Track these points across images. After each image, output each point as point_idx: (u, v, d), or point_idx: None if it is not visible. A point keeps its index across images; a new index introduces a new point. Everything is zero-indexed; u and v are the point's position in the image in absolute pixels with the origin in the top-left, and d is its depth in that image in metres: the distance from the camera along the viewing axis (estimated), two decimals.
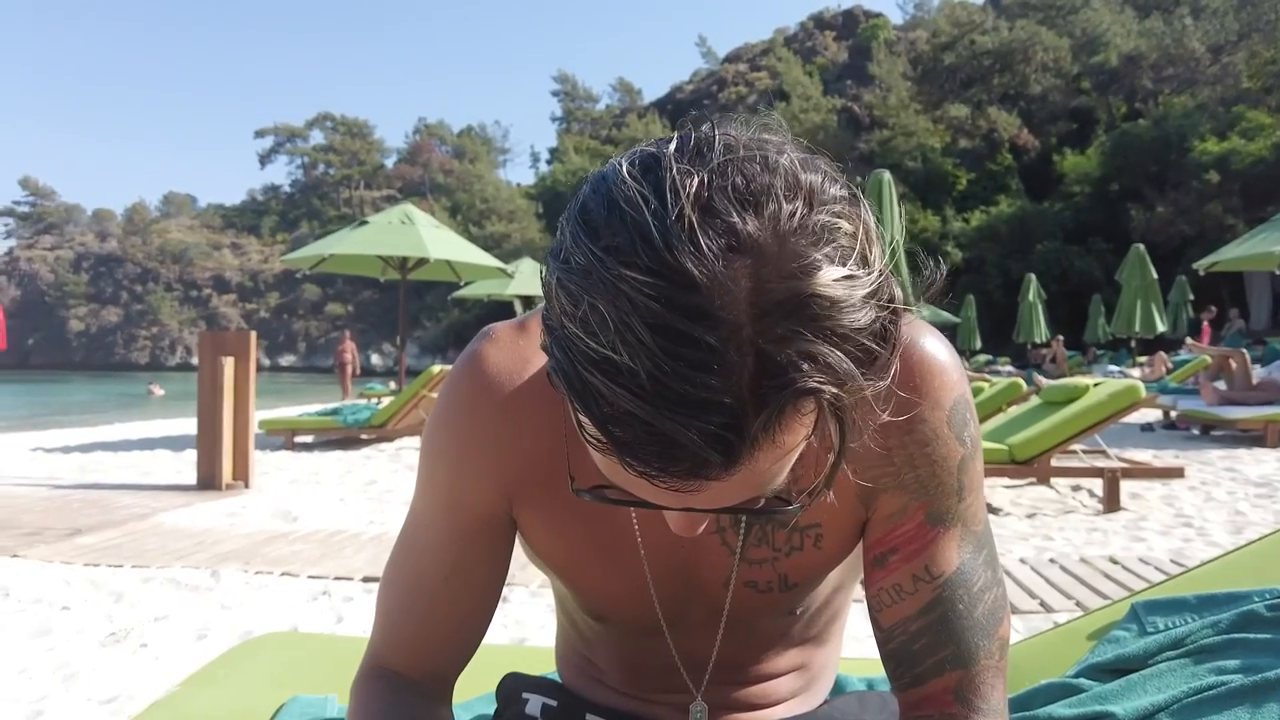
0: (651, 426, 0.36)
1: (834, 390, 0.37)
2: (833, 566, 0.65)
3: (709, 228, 0.36)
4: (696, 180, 0.37)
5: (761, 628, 0.68)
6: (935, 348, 0.59)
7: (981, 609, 0.58)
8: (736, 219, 0.36)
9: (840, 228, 0.39)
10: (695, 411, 0.36)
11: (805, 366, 0.36)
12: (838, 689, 0.85)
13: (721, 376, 0.35)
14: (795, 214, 0.37)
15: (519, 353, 0.62)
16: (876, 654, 0.63)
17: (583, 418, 0.39)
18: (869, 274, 0.39)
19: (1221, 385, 7.56)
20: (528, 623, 2.45)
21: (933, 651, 0.57)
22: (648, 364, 0.35)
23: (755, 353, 0.36)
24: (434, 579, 0.64)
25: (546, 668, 0.88)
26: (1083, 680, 0.85)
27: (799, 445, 0.41)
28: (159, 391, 22.16)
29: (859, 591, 0.68)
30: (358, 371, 16.35)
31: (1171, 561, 3.04)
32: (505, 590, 2.73)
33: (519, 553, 0.68)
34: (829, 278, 0.37)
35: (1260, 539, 1.05)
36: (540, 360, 0.62)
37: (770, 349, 0.36)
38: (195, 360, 5.45)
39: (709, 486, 0.39)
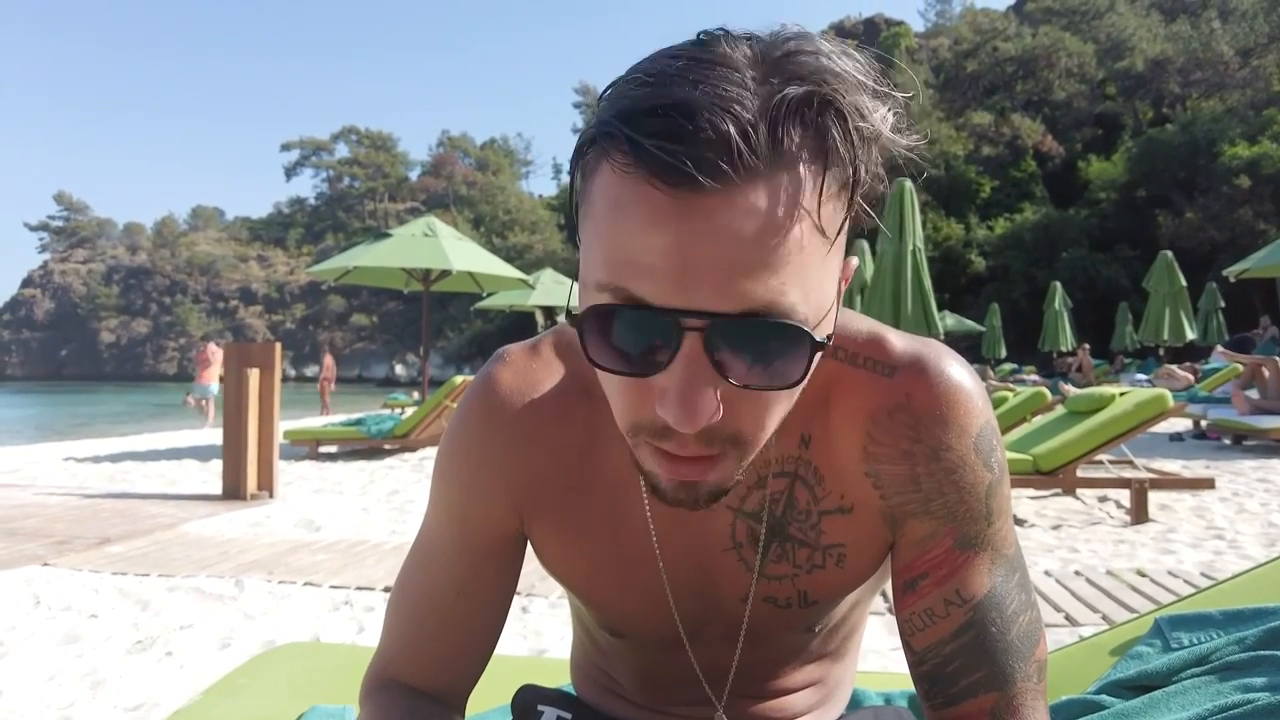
0: (677, 106, 0.39)
1: (836, 102, 0.41)
2: (854, 586, 0.64)
3: (734, 37, 0.43)
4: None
5: (780, 643, 0.68)
6: (960, 375, 0.58)
7: (1016, 631, 0.57)
8: (756, 41, 0.43)
9: (845, 47, 0.45)
10: (715, 95, 0.39)
11: (809, 83, 0.41)
12: (855, 703, 0.85)
13: (739, 83, 0.40)
14: (803, 33, 0.44)
15: (531, 374, 0.63)
16: (894, 669, 0.63)
17: (611, 144, 0.41)
18: (863, 61, 0.44)
19: (1254, 394, 7.40)
20: (546, 634, 2.45)
21: (967, 673, 0.56)
22: (680, 65, 0.41)
23: (766, 78, 0.41)
24: (446, 593, 0.65)
25: (564, 679, 0.88)
26: (1105, 697, 0.83)
27: (806, 197, 0.41)
28: (195, 402, 22.66)
29: (876, 604, 0.68)
30: (333, 388, 16.63)
31: (1202, 575, 2.97)
32: (525, 601, 2.73)
33: (540, 564, 0.69)
34: (830, 44, 0.43)
35: None
36: (552, 380, 0.63)
37: (779, 74, 0.41)
38: (221, 371, 5.53)
39: (721, 196, 0.39)
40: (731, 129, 0.38)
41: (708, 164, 0.38)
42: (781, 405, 0.47)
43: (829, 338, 0.45)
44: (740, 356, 0.42)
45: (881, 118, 0.43)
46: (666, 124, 0.39)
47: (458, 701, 0.68)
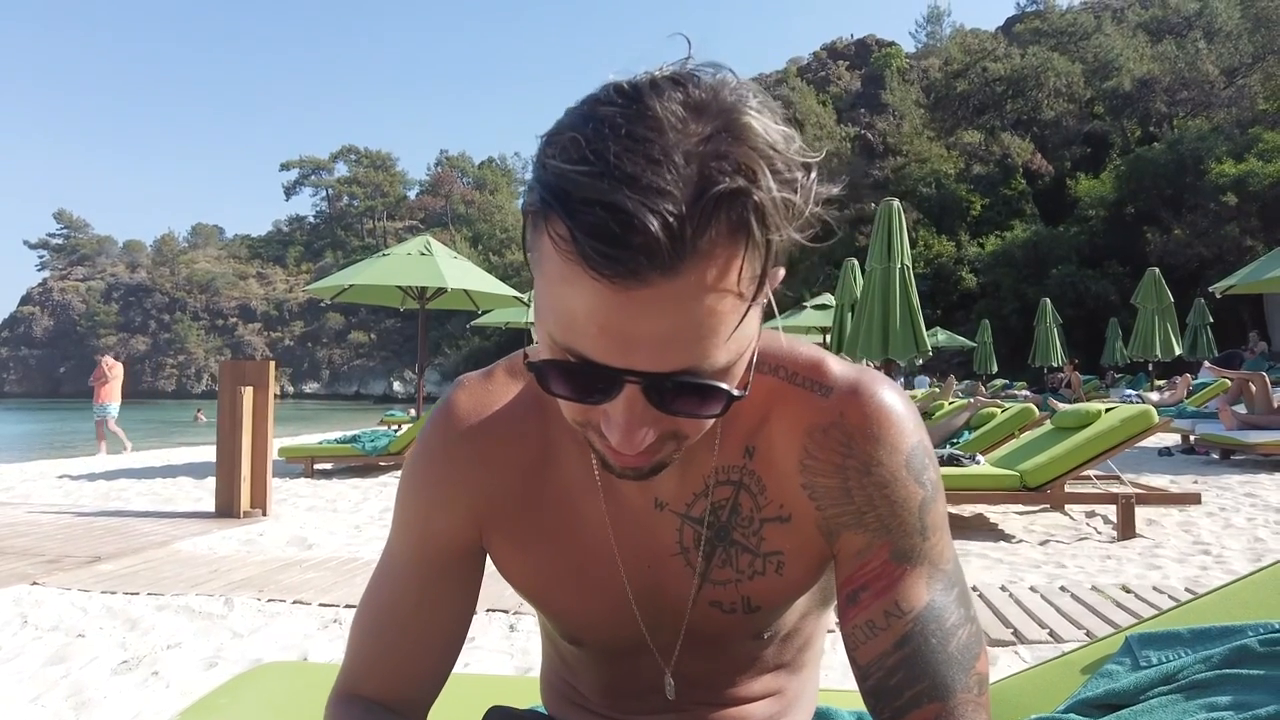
0: (613, 206, 0.42)
1: (759, 196, 0.44)
2: (796, 594, 0.67)
3: (667, 88, 0.46)
4: (660, 75, 0.47)
5: (731, 650, 0.70)
6: (892, 400, 0.62)
7: (955, 644, 0.59)
8: (692, 89, 0.46)
9: (775, 111, 0.47)
10: (648, 194, 0.42)
11: (737, 177, 0.44)
12: (825, 719, 0.86)
13: (671, 171, 0.43)
14: (739, 87, 0.47)
15: (487, 397, 0.68)
16: None
17: (552, 226, 0.45)
18: (790, 131, 0.47)
19: (1241, 409, 7.45)
20: (534, 652, 2.45)
21: (910, 685, 0.58)
22: (614, 147, 0.43)
23: (699, 159, 0.43)
24: (405, 606, 0.67)
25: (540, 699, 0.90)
26: (1073, 716, 0.83)
27: (729, 279, 0.45)
28: (205, 418, 22.82)
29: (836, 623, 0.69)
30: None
31: (1186, 590, 2.98)
32: (512, 619, 2.72)
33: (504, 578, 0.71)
34: (756, 118, 0.45)
35: (1258, 570, 1.04)
36: (506, 401, 0.67)
37: (709, 157, 0.44)
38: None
39: (655, 288, 0.43)
40: (659, 233, 0.42)
41: (638, 265, 0.43)
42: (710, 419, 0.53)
43: (746, 384, 0.51)
44: (671, 396, 0.49)
45: (803, 197, 0.47)
46: (602, 223, 0.42)
47: (418, 714, 0.70)
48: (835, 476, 0.61)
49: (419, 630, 0.67)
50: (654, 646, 0.69)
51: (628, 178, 0.42)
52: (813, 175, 0.47)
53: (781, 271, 0.53)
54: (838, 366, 0.63)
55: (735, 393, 0.49)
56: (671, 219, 0.42)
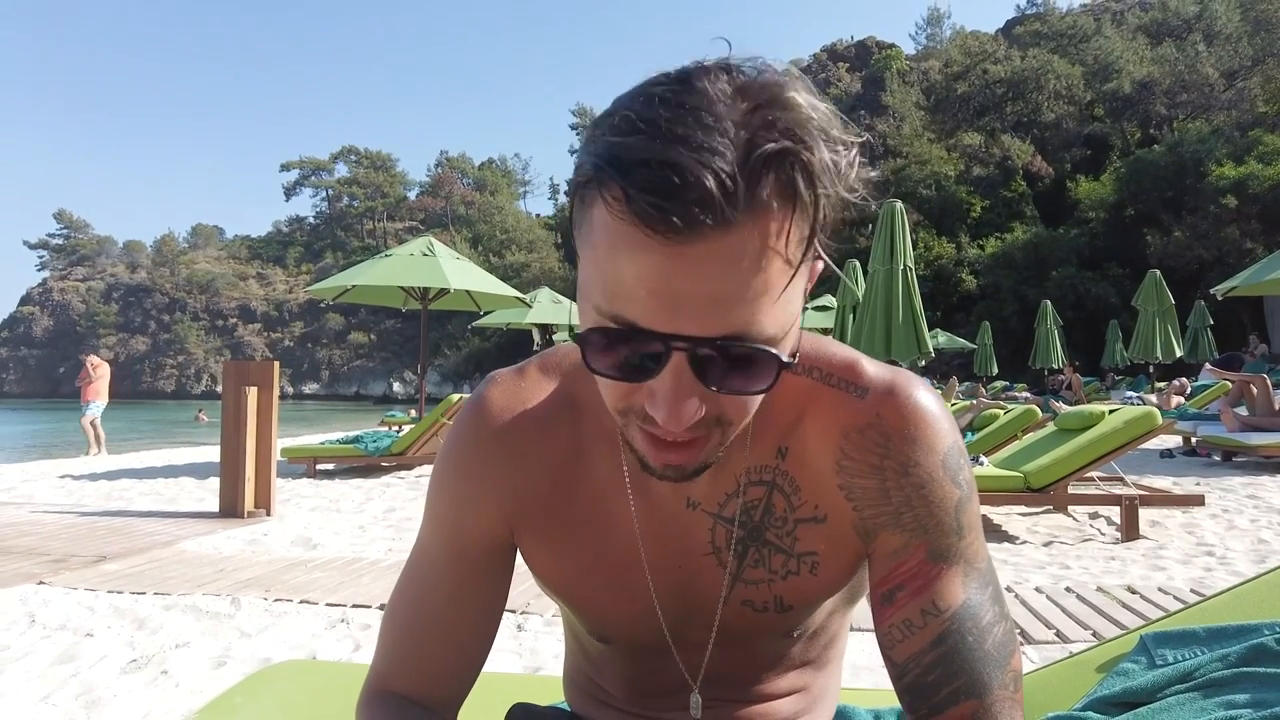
0: (667, 163, 0.43)
1: (806, 156, 0.45)
2: (829, 594, 0.67)
3: (715, 71, 0.47)
4: (706, 63, 0.49)
5: (760, 648, 0.71)
6: (928, 401, 0.62)
7: (991, 641, 0.59)
8: (737, 74, 0.47)
9: (818, 95, 0.48)
10: (700, 151, 0.43)
11: (784, 139, 0.45)
12: (845, 719, 0.87)
13: (721, 135, 0.44)
14: (784, 73, 0.48)
15: (519, 393, 0.68)
16: (884, 685, 0.65)
17: (606, 190, 0.46)
18: (835, 111, 0.49)
19: (1243, 411, 7.46)
20: (542, 651, 2.46)
21: (947, 682, 0.58)
22: (665, 114, 0.45)
23: (747, 127, 0.45)
24: (437, 602, 0.68)
25: (559, 697, 0.90)
26: (1090, 714, 0.84)
27: (779, 240, 0.46)
28: (206, 419, 22.95)
29: (859, 620, 0.70)
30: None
31: (1191, 591, 2.99)
32: (520, 619, 2.73)
33: (534, 583, 0.71)
34: (802, 95, 0.47)
35: (1270, 571, 1.05)
36: (538, 398, 0.68)
37: (758, 125, 0.45)
38: (220, 389, 5.54)
39: (707, 243, 0.44)
40: (713, 186, 0.43)
41: (692, 218, 0.43)
42: (758, 397, 0.52)
43: (794, 353, 0.51)
44: (718, 368, 0.49)
45: (847, 163, 0.48)
46: (656, 179, 0.43)
47: (449, 712, 0.70)
48: (873, 477, 0.61)
49: (450, 626, 0.67)
50: (685, 644, 0.70)
51: (680, 138, 0.44)
52: (854, 152, 0.49)
53: (820, 265, 0.53)
54: (872, 367, 0.64)
55: (785, 359, 0.49)
56: (725, 175, 0.43)
